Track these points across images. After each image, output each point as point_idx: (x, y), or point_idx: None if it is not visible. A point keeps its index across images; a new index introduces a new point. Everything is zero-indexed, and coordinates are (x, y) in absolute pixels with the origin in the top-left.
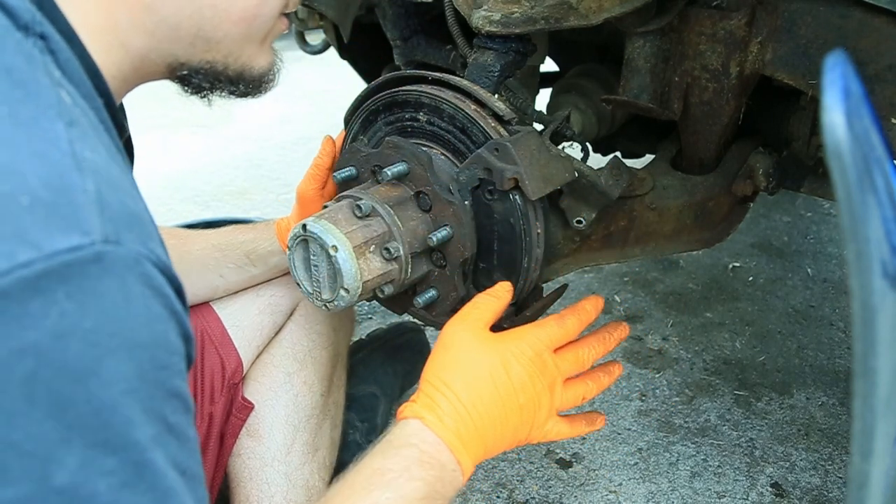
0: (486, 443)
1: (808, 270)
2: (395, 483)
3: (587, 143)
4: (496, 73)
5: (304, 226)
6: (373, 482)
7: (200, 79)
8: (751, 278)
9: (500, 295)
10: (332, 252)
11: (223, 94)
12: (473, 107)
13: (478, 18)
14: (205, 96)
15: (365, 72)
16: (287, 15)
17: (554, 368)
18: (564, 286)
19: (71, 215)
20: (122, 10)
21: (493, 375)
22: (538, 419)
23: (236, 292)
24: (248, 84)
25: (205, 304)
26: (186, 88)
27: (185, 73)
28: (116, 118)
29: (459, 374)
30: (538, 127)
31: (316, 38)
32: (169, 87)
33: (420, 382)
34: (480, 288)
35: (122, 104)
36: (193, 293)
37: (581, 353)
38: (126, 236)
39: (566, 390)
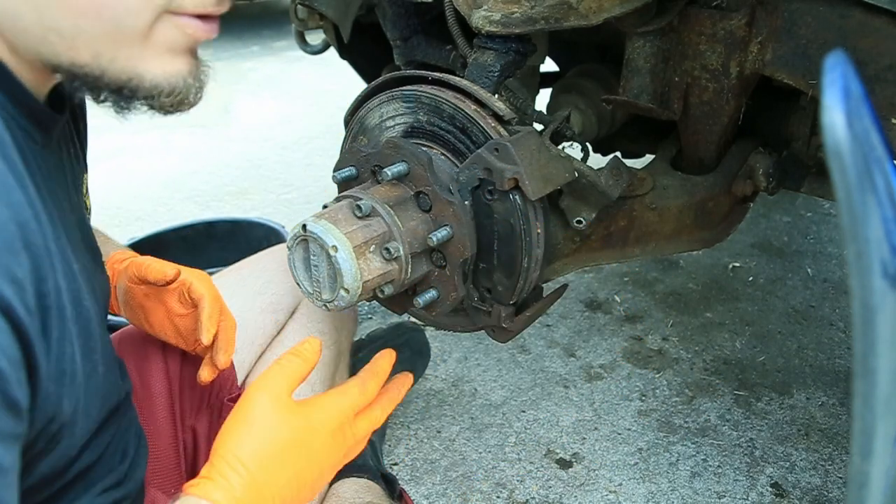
0: None
1: (808, 270)
2: None
3: (587, 143)
4: (496, 73)
5: (304, 226)
6: None
7: (79, 85)
8: (751, 278)
9: (307, 357)
10: (332, 252)
11: (133, 106)
12: (473, 107)
13: (478, 18)
14: (118, 110)
15: (365, 72)
16: (205, 18)
17: (352, 437)
18: (564, 286)
19: None
20: None
21: (291, 454)
22: (327, 478)
23: (238, 291)
24: (144, 97)
25: None
26: (91, 97)
27: (63, 76)
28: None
29: (257, 451)
30: (538, 127)
31: (316, 38)
32: None
33: (212, 455)
34: (480, 288)
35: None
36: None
37: (375, 416)
38: None
39: (357, 446)
